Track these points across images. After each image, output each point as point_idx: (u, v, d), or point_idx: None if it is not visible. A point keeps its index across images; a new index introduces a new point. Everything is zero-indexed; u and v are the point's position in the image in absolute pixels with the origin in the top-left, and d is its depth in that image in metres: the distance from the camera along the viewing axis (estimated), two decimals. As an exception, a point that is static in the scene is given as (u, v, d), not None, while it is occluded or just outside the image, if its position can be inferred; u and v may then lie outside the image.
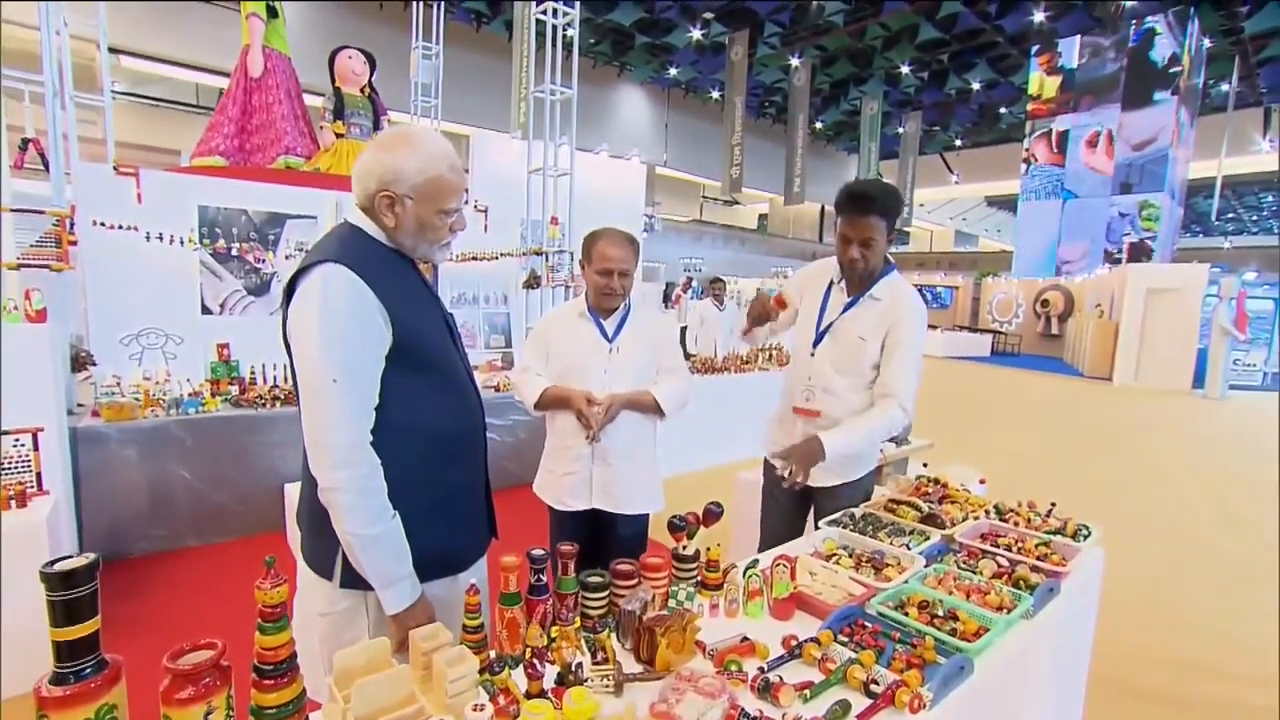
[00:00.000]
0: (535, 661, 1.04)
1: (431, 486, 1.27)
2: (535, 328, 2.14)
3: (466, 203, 5.19)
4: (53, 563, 0.76)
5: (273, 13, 4.29)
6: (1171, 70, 14.50)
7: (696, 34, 16.78)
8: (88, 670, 0.76)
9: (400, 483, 1.19)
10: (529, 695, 1.01)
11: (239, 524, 3.27)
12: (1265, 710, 2.40)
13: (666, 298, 15.25)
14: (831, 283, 2.02)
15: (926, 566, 1.58)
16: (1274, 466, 6.01)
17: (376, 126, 4.52)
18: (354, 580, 1.20)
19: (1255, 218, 29.68)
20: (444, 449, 1.29)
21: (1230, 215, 28.72)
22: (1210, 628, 3.00)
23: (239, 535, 3.27)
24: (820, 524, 1.84)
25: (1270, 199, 25.93)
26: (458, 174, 1.25)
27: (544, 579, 1.20)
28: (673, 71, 20.01)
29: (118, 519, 3.00)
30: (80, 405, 3.19)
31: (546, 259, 4.77)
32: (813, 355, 2.01)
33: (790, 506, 2.13)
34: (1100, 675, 2.05)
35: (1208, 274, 11.32)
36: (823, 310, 2.02)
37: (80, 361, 3.15)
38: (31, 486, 2.29)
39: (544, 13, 4.77)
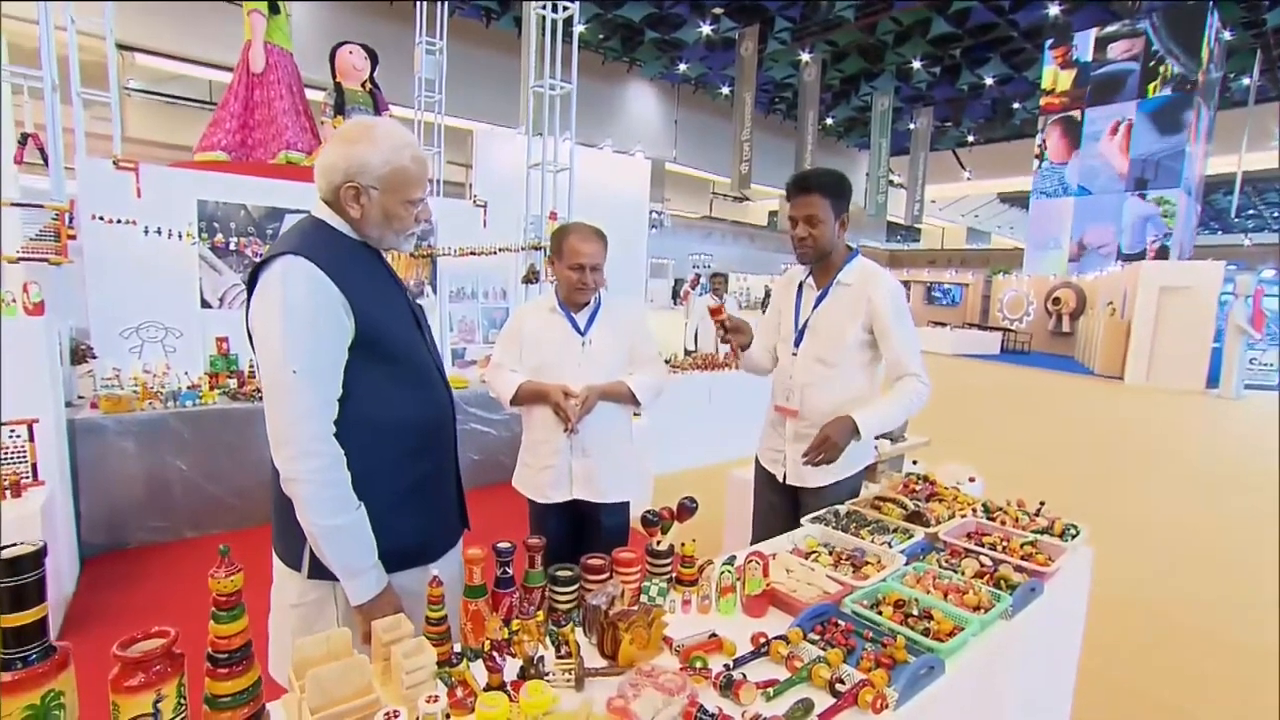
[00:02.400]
0: (495, 654, 1.03)
1: (398, 478, 1.27)
2: (506, 324, 2.15)
3: (468, 198, 5.20)
4: (-1, 549, 0.76)
5: (274, 9, 4.31)
6: (1150, 68, 14.37)
7: (706, 29, 16.71)
8: (34, 656, 0.77)
9: (366, 474, 1.19)
10: (488, 688, 1.01)
11: (236, 516, 3.30)
12: (1264, 712, 2.36)
13: (675, 294, 15.24)
14: (801, 283, 2.07)
15: (907, 565, 1.56)
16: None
17: (377, 122, 4.53)
18: (321, 571, 1.20)
19: (1277, 214, 29.10)
20: (410, 440, 1.29)
21: (1251, 212, 28.19)
22: (1209, 631, 2.95)
23: (236, 527, 3.30)
24: (803, 520, 1.83)
25: (1292, 195, 25.40)
26: (420, 165, 1.26)
27: (510, 572, 1.20)
28: (682, 67, 19.94)
29: (116, 509, 3.04)
30: (81, 397, 3.23)
31: (545, 253, 4.76)
32: (795, 354, 2.02)
33: (782, 506, 2.12)
34: (1093, 676, 2.02)
35: (1223, 271, 11.11)
36: (797, 310, 2.05)
37: (81, 354, 3.19)
38: (27, 477, 2.32)
39: (544, 7, 4.76)
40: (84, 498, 2.95)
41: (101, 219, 3.28)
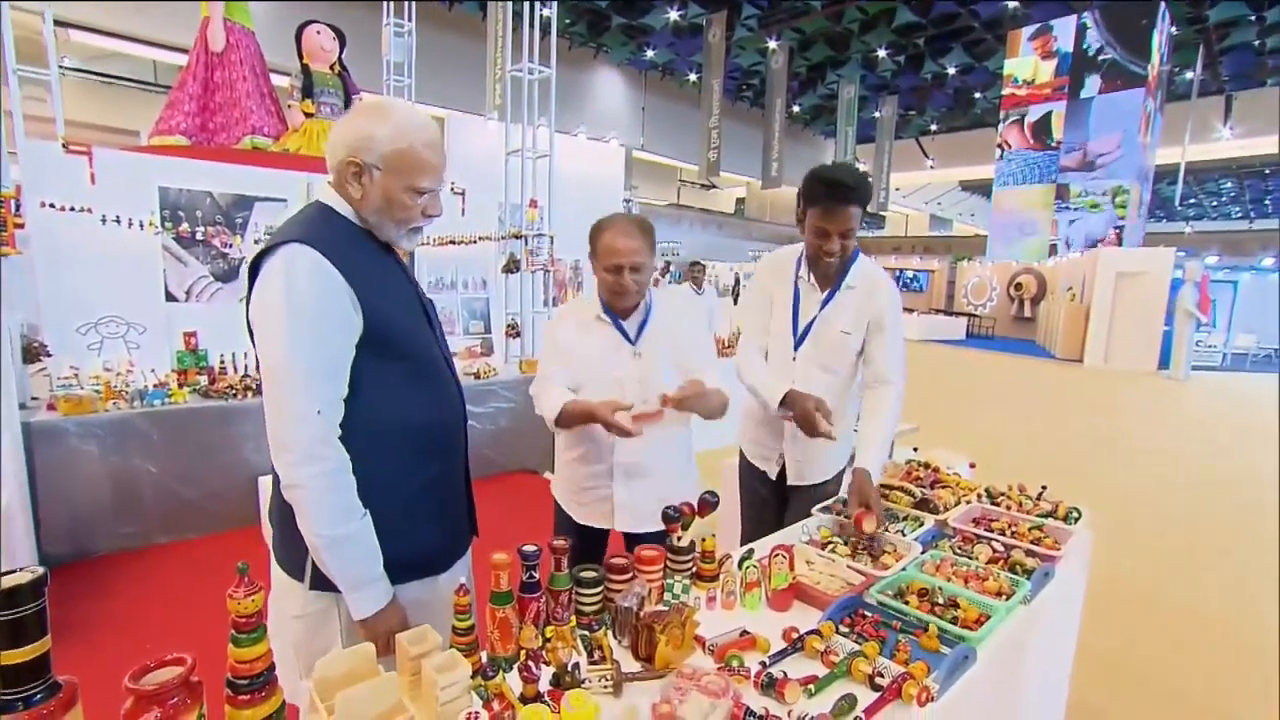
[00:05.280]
0: (530, 664, 0.99)
1: (407, 483, 1.20)
2: (547, 331, 1.85)
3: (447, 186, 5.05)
4: (-6, 578, 0.68)
5: (233, -16, 4.08)
6: (1100, 59, 14.76)
7: (674, 15, 16.55)
8: (38, 695, 0.69)
9: (372, 480, 1.12)
10: (524, 699, 0.96)
11: (211, 520, 3.15)
12: (1258, 693, 2.46)
13: (646, 283, 15.15)
14: (797, 278, 1.88)
15: (923, 553, 1.56)
16: (1246, 445, 6.22)
17: (348, 106, 4.35)
18: (324, 582, 1.13)
19: (1215, 203, 30.53)
20: (420, 443, 1.22)
21: (1191, 201, 29.49)
22: (1192, 605, 3.08)
23: (211, 531, 3.15)
24: (813, 510, 1.81)
25: (1229, 185, 26.67)
26: (433, 151, 1.15)
27: (537, 576, 1.15)
28: (650, 53, 19.74)
29: (80, 517, 2.87)
30: (35, 399, 3.03)
31: (526, 243, 4.66)
32: (794, 360, 1.89)
33: (771, 499, 2.10)
34: (1087, 652, 2.07)
35: (1174, 258, 11.60)
36: (796, 309, 1.88)
37: (33, 353, 2.99)
38: (-17, 485, 2.16)
39: (520, -11, 4.63)
40: (43, 506, 2.76)
41: (52, 206, 3.06)
